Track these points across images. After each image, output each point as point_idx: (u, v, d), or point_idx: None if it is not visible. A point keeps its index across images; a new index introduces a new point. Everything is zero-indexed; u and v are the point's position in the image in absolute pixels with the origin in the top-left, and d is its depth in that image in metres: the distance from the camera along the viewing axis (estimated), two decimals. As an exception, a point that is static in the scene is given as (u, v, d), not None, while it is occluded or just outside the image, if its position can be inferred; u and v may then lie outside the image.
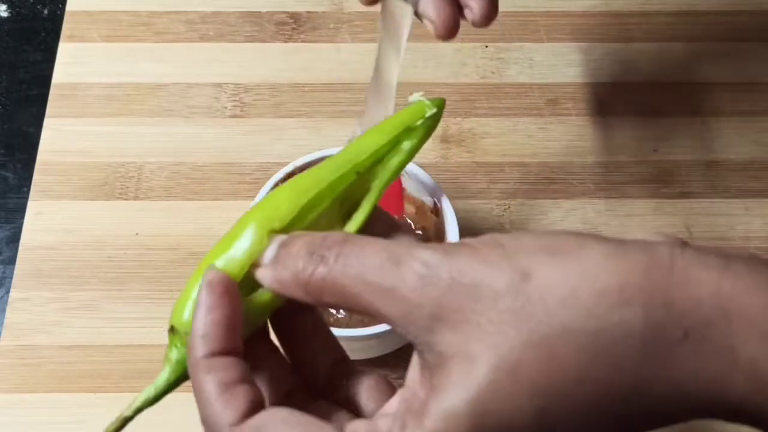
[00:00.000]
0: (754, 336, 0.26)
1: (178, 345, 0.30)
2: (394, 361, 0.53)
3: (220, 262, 0.31)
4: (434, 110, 0.34)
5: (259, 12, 0.68)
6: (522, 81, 0.66)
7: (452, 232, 0.52)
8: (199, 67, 0.66)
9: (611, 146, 0.63)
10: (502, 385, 0.26)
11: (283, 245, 0.31)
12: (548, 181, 0.61)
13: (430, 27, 0.45)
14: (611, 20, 0.68)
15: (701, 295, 0.26)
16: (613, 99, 0.65)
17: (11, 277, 0.57)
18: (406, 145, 0.34)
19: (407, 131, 0.34)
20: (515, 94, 0.65)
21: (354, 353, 0.50)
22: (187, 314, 0.30)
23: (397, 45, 0.46)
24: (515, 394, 0.26)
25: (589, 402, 0.26)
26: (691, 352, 0.26)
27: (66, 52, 0.66)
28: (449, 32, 0.45)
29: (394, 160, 0.34)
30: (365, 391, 0.32)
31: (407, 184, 0.54)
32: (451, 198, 0.53)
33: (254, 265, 0.31)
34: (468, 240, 0.29)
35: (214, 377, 0.29)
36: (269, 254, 0.31)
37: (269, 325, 0.33)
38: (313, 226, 0.32)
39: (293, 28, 0.68)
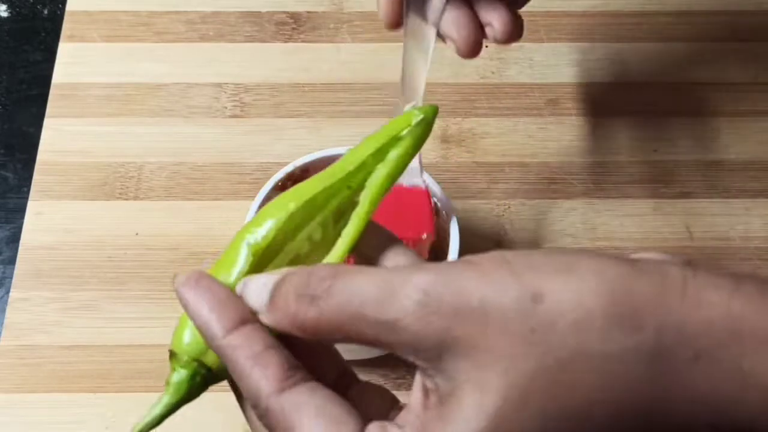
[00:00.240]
0: (764, 356, 0.26)
1: (178, 368, 0.30)
2: (393, 361, 0.52)
3: None
4: (420, 117, 0.33)
5: (259, 12, 0.68)
6: (522, 81, 0.66)
7: (452, 233, 0.52)
8: (199, 67, 0.66)
9: (611, 146, 0.63)
10: (514, 412, 0.26)
11: (276, 287, 0.30)
12: (548, 181, 0.61)
13: (452, 47, 0.46)
14: (611, 20, 0.68)
15: (712, 317, 0.26)
16: (613, 99, 0.65)
17: (11, 277, 0.57)
18: (392, 154, 0.33)
19: (394, 140, 0.33)
20: (515, 94, 0.65)
21: (354, 353, 0.51)
22: (186, 339, 0.30)
23: (424, 59, 0.46)
24: (527, 421, 0.26)
25: (600, 425, 0.26)
26: (702, 373, 0.26)
27: (66, 52, 0.66)
28: (472, 51, 0.46)
29: (382, 171, 0.33)
30: (371, 400, 0.31)
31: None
32: (451, 198, 0.53)
33: (254, 312, 0.30)
34: (471, 257, 0.28)
35: (240, 353, 0.29)
36: (263, 298, 0.30)
37: None
38: (307, 243, 0.32)
39: (293, 28, 0.68)
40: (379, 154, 0.33)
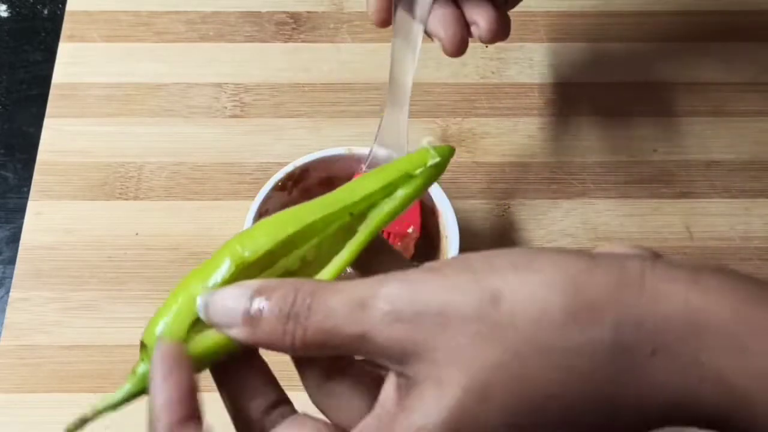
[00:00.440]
0: (721, 349, 0.26)
1: (146, 360, 0.31)
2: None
3: (197, 293, 0.31)
4: (436, 160, 0.33)
5: (259, 12, 0.68)
6: (522, 81, 0.66)
7: (452, 233, 0.52)
8: (199, 67, 0.66)
9: (611, 146, 0.63)
10: (474, 405, 0.27)
11: (254, 303, 0.30)
12: (548, 181, 0.61)
13: (438, 45, 0.47)
14: (611, 20, 0.68)
15: (670, 312, 0.26)
16: (613, 99, 0.65)
17: (11, 277, 0.57)
18: (400, 192, 0.33)
19: (405, 178, 0.33)
20: (515, 94, 0.65)
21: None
22: (158, 332, 0.31)
23: (412, 56, 0.47)
24: (487, 413, 0.27)
25: (558, 417, 0.27)
26: (660, 367, 0.26)
27: (66, 52, 0.66)
28: (457, 49, 0.46)
29: (386, 207, 0.33)
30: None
31: None
32: (451, 198, 0.53)
33: (226, 326, 0.30)
34: (434, 264, 0.29)
35: None
36: (237, 313, 0.30)
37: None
38: (298, 262, 0.32)
39: (293, 28, 0.68)
40: (388, 188, 0.33)
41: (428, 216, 0.54)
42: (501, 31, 0.47)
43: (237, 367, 0.33)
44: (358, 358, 0.31)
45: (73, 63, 0.66)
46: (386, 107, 0.49)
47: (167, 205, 0.60)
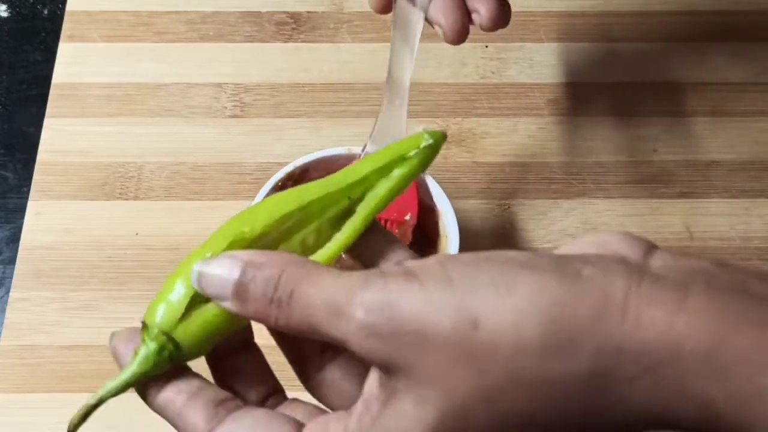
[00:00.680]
0: (704, 372, 0.25)
1: (148, 340, 0.31)
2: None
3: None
4: (430, 141, 0.34)
5: (259, 12, 0.68)
6: (522, 81, 0.66)
7: (452, 233, 0.52)
8: (199, 67, 0.66)
9: (611, 146, 0.63)
10: (452, 426, 0.27)
11: (241, 281, 0.30)
12: (548, 181, 0.61)
13: (439, 32, 0.46)
14: (611, 20, 0.68)
15: (651, 337, 0.26)
16: (613, 99, 0.65)
17: (11, 277, 0.57)
18: (397, 172, 0.34)
19: (400, 160, 0.34)
20: (515, 94, 0.65)
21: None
22: (160, 312, 0.31)
23: (410, 49, 0.47)
24: None
25: None
26: (640, 389, 0.26)
27: (66, 52, 0.66)
28: (458, 37, 0.46)
29: (383, 186, 0.34)
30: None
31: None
32: (451, 198, 0.53)
33: (217, 297, 0.31)
34: (414, 267, 0.28)
35: (171, 407, 0.31)
36: (231, 282, 0.30)
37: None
38: (299, 247, 0.33)
39: (293, 28, 0.68)
40: (384, 170, 0.34)
41: (428, 216, 0.54)
42: (502, 19, 0.46)
43: (233, 358, 0.33)
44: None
45: (73, 63, 0.66)
46: (384, 105, 0.49)
47: (167, 205, 0.60)
